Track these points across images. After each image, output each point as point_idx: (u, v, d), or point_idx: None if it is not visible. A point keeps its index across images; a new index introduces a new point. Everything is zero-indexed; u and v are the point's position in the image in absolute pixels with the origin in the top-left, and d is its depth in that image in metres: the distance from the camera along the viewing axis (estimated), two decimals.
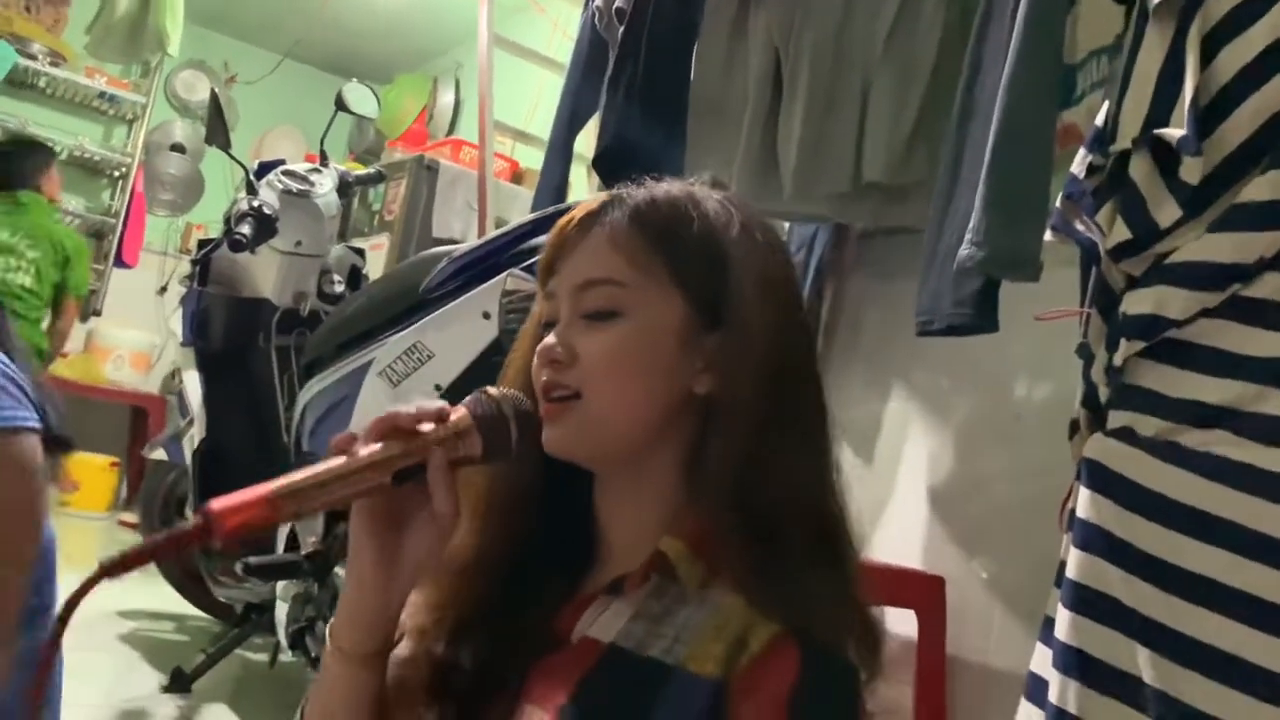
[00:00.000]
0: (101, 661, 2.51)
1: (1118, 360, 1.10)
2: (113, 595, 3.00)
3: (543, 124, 2.67)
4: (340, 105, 2.55)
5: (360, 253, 2.60)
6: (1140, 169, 1.10)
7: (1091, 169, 1.18)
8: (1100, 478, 1.08)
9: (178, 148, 5.52)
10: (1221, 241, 1.02)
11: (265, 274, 2.39)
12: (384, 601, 0.63)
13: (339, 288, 2.38)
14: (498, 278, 1.68)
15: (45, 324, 4.01)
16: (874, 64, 1.78)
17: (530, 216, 1.81)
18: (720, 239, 0.67)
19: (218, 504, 0.55)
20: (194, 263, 2.40)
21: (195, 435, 2.39)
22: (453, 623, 0.68)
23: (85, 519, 4.43)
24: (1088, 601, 1.05)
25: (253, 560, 1.97)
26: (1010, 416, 2.03)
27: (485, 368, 1.61)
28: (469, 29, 3.35)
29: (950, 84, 1.58)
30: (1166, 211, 1.07)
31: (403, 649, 0.69)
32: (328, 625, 0.65)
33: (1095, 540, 1.06)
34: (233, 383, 2.42)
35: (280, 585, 2.06)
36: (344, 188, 2.49)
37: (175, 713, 2.25)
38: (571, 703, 0.61)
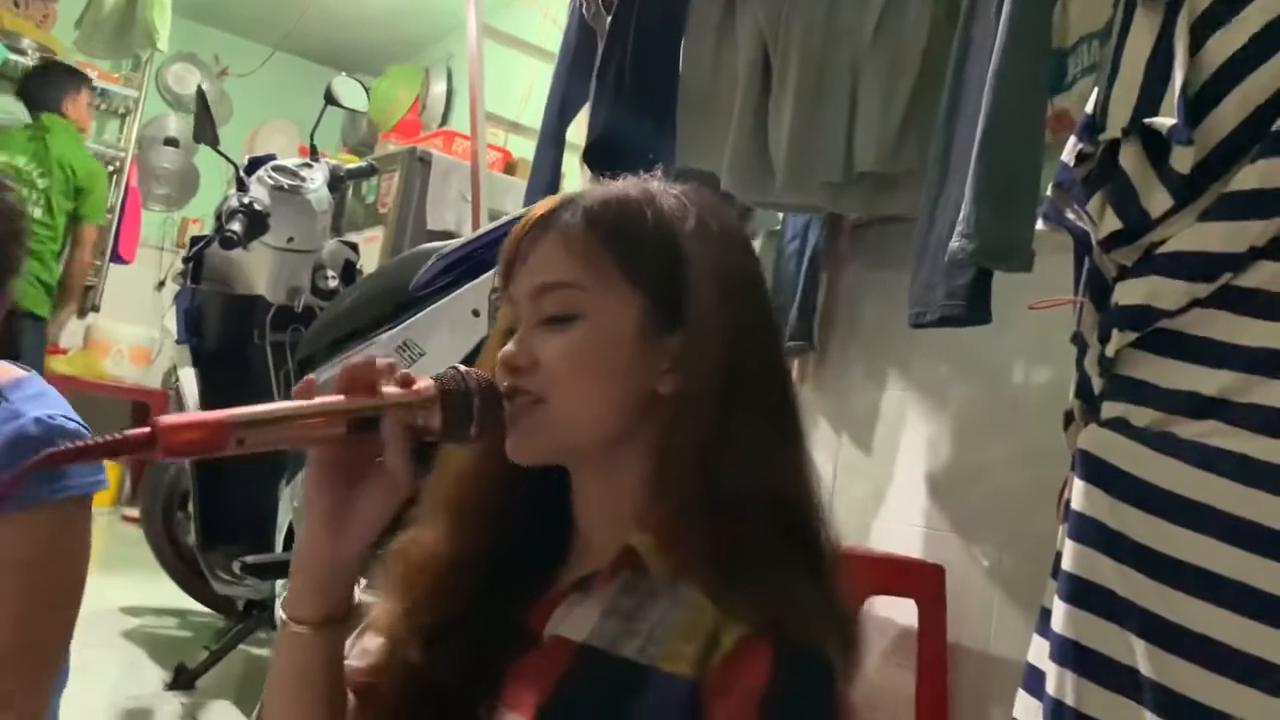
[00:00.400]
0: (104, 659, 2.51)
1: (1110, 351, 1.09)
2: (116, 591, 3.02)
3: (535, 114, 2.66)
4: (329, 99, 2.54)
5: (354, 247, 2.59)
6: (1130, 158, 1.09)
7: (1081, 157, 1.17)
8: (1093, 469, 1.07)
9: (171, 142, 5.51)
10: (1213, 231, 1.02)
11: (258, 270, 2.39)
12: (332, 560, 0.62)
13: (333, 283, 2.38)
14: (486, 275, 1.67)
15: (64, 256, 3.86)
16: (863, 54, 1.77)
17: (518, 213, 1.81)
18: (677, 236, 0.66)
19: (167, 419, 0.54)
20: (186, 260, 2.39)
21: None
22: (426, 628, 0.67)
23: None
24: (1083, 593, 1.05)
25: (249, 559, 1.97)
26: (1008, 404, 2.03)
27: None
28: (460, 19, 3.33)
29: (940, 73, 1.57)
30: (1158, 201, 1.06)
31: (374, 656, 0.69)
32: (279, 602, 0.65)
33: (1089, 532, 1.06)
34: (228, 380, 2.42)
35: (279, 583, 2.06)
36: (335, 182, 2.48)
37: (179, 710, 2.25)
38: (547, 707, 0.61)
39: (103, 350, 4.96)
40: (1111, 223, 1.10)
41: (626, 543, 0.64)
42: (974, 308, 1.41)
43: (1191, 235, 1.03)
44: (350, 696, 0.67)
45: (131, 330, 5.08)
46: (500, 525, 0.69)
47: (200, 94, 2.39)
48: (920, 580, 2.02)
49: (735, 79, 1.94)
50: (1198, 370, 1.03)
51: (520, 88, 3.77)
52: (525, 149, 3.41)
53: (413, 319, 1.67)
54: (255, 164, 2.43)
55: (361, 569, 0.65)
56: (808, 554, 0.63)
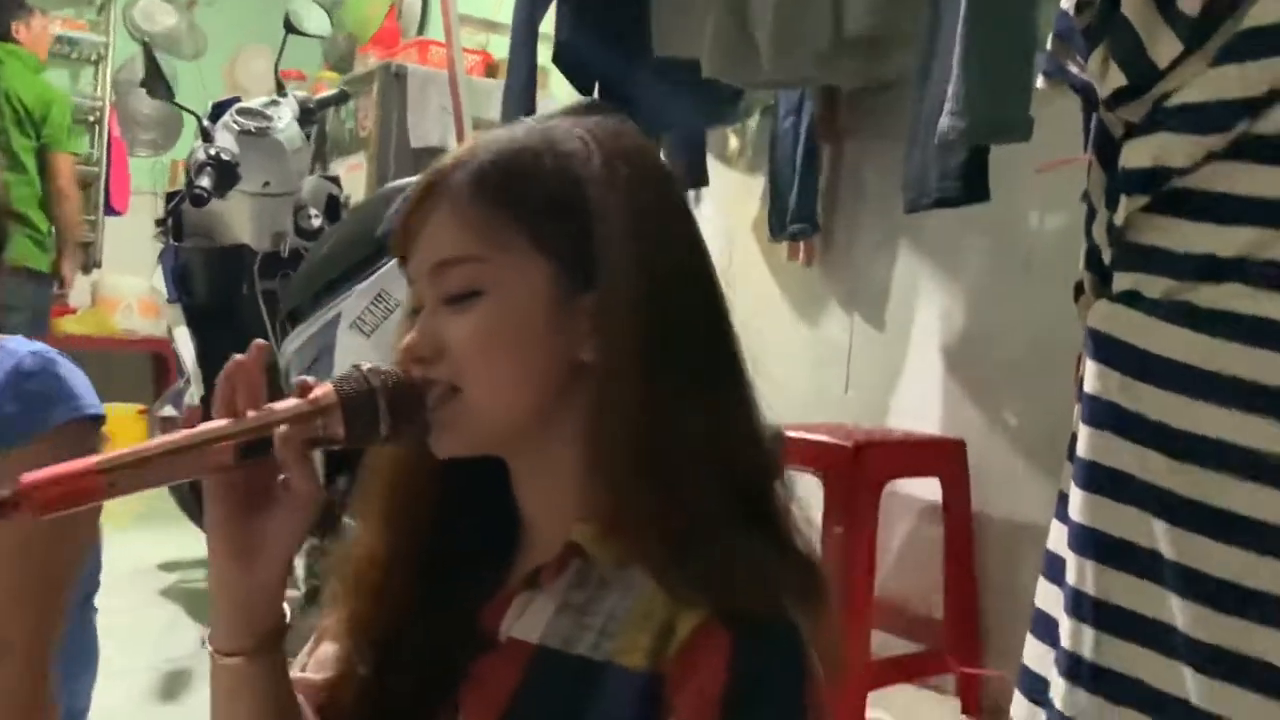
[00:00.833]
0: (143, 620, 2.53)
1: (1119, 219, 1.02)
2: (149, 548, 3.03)
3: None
4: (289, 27, 2.42)
5: (335, 180, 2.51)
6: (1133, 2, 0.99)
7: (1081, 5, 1.08)
8: (1106, 348, 1.02)
9: None
10: (1227, 75, 0.94)
11: (239, 219, 2.32)
12: (248, 591, 0.58)
13: (316, 222, 2.30)
14: None
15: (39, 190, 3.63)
16: None
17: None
18: (579, 184, 0.59)
19: (30, 476, 0.50)
20: (159, 222, 2.33)
21: (194, 393, 2.37)
22: (376, 635, 0.64)
23: None
24: (1100, 479, 1.01)
25: None
26: (1020, 265, 1.95)
27: None
28: None
29: None
30: (1165, 48, 0.98)
31: (330, 667, 0.66)
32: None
33: (1104, 415, 1.01)
34: (225, 335, 2.37)
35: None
36: (306, 115, 2.39)
37: None
38: (506, 718, 0.58)
39: (111, 306, 4.95)
40: (1116, 78, 1.02)
41: (569, 538, 0.60)
42: (971, 187, 1.32)
43: (1204, 84, 0.95)
44: (308, 712, 0.64)
45: (137, 282, 5.05)
46: (441, 521, 0.64)
47: (146, 50, 2.28)
48: (942, 457, 2.00)
49: None
50: (1215, 230, 0.97)
51: None
52: (506, 49, 3.27)
53: (385, 266, 1.61)
54: (219, 109, 2.34)
55: (282, 588, 0.60)
56: (761, 515, 0.58)
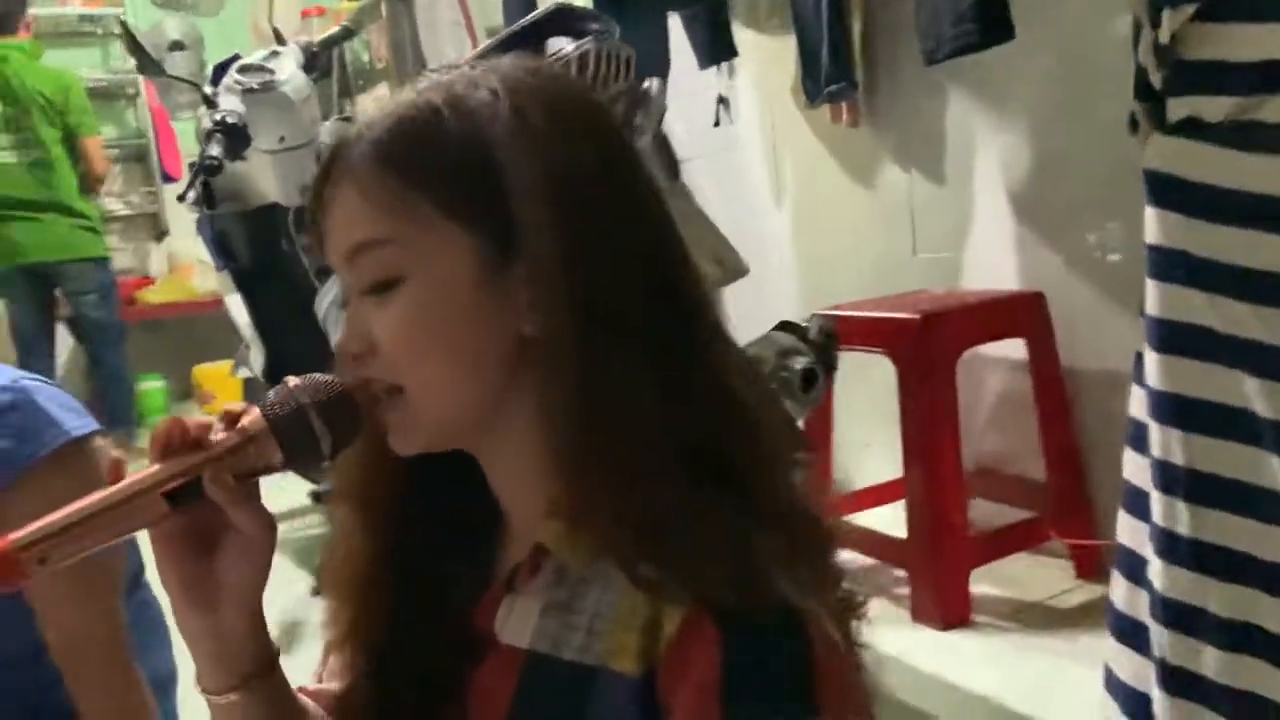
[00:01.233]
0: None
1: (1163, 36, 0.88)
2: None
3: None
4: None
5: (352, 121, 2.43)
6: None
7: None
8: (1165, 190, 0.90)
9: (177, 45, 5.31)
10: None
11: (264, 179, 2.28)
12: (215, 634, 0.54)
13: None
14: None
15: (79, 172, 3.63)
16: None
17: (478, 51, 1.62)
18: (488, 144, 0.52)
19: None
20: (180, 198, 2.30)
21: (255, 358, 2.39)
22: (372, 646, 0.61)
23: None
24: (1176, 337, 0.90)
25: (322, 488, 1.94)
26: (1084, 85, 1.76)
27: None
28: None
29: None
30: None
31: (340, 679, 0.64)
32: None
33: (1171, 266, 0.90)
34: (275, 294, 2.37)
35: None
36: (311, 61, 2.30)
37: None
38: None
39: (187, 271, 5.04)
40: None
41: (536, 540, 0.55)
42: (990, 29, 1.16)
43: None
44: None
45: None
46: (419, 517, 0.60)
47: (124, 28, 2.20)
48: (1022, 314, 1.86)
49: None
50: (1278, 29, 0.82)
51: None
52: None
53: None
54: (220, 71, 2.27)
55: (256, 629, 0.56)
56: (738, 486, 0.52)
